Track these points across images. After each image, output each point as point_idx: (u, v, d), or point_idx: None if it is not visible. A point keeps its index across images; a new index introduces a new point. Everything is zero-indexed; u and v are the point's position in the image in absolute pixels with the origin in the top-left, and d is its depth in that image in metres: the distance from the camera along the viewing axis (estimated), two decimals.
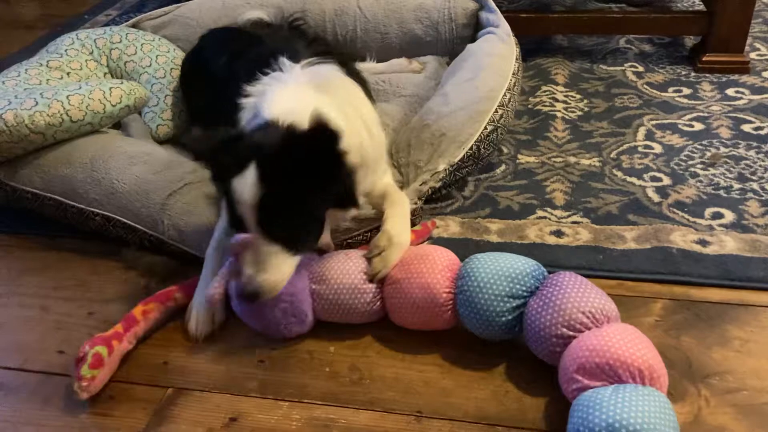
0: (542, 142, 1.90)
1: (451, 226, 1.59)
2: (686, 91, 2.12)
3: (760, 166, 1.73)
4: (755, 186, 1.66)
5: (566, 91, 2.15)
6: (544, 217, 1.61)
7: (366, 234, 1.48)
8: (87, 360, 1.20)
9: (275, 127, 1.23)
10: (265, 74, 1.40)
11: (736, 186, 1.66)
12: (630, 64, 2.30)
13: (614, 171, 1.76)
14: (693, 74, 2.21)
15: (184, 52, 2.10)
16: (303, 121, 1.22)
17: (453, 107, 1.70)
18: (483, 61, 1.85)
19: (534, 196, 1.68)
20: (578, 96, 2.13)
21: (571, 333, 1.13)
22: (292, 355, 1.31)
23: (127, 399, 1.24)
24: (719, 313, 1.33)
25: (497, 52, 1.89)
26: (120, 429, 1.19)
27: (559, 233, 1.55)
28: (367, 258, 1.32)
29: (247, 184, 1.16)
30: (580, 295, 1.15)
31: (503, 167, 1.80)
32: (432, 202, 1.65)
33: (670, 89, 2.13)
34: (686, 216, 1.57)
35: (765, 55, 2.30)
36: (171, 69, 2.02)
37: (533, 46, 2.41)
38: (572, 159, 1.82)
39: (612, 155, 1.82)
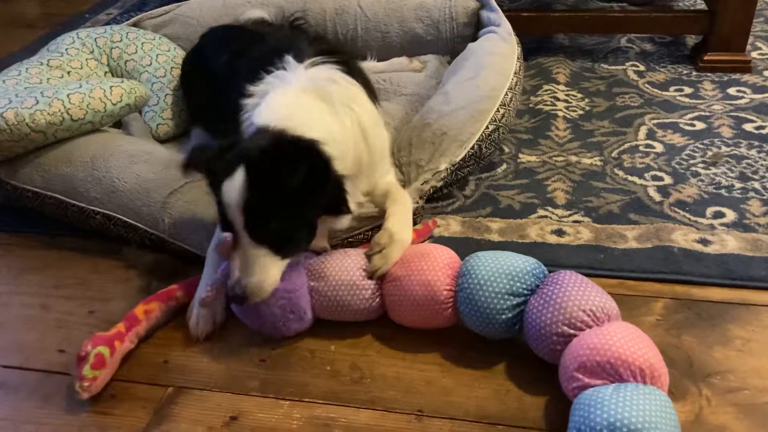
0: (543, 141, 1.90)
1: (452, 225, 1.59)
2: (687, 90, 2.11)
3: (762, 165, 1.73)
4: (757, 185, 1.65)
5: (567, 91, 2.15)
6: (545, 217, 1.60)
7: (367, 233, 1.48)
8: (89, 360, 1.20)
9: (265, 132, 1.25)
10: (269, 73, 1.40)
11: (738, 185, 1.66)
12: (631, 63, 2.30)
13: (615, 170, 1.75)
14: (694, 73, 2.20)
15: (185, 51, 2.09)
16: (293, 129, 1.23)
17: (454, 106, 1.70)
18: (484, 60, 1.85)
19: (535, 196, 1.68)
20: (579, 95, 2.12)
21: (571, 331, 1.13)
22: (292, 353, 1.31)
23: (128, 398, 1.24)
24: (720, 312, 1.32)
25: (498, 51, 1.89)
26: (120, 428, 1.19)
27: (560, 232, 1.55)
28: (368, 255, 1.32)
29: (234, 187, 1.18)
30: (581, 294, 1.15)
31: (504, 166, 1.80)
32: (433, 201, 1.65)
33: (672, 88, 2.13)
34: (687, 215, 1.57)
35: (766, 54, 2.30)
36: (171, 68, 2.02)
37: (534, 45, 2.40)
38: (573, 158, 1.81)
39: (613, 154, 1.82)
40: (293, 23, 2.09)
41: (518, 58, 1.89)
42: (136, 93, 1.74)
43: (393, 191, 1.48)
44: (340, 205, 1.28)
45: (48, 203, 1.64)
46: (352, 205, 1.31)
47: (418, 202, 1.55)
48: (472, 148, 1.63)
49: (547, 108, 2.06)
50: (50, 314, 1.46)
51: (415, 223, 1.51)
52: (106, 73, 2.03)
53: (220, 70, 1.72)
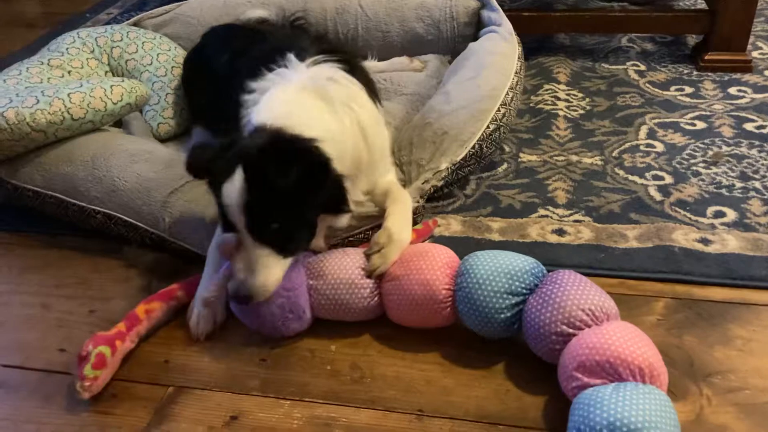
0: (544, 140, 1.90)
1: (452, 225, 1.59)
2: (688, 89, 2.11)
3: (763, 164, 1.73)
4: (757, 185, 1.65)
5: (568, 90, 2.15)
6: (546, 216, 1.60)
7: (367, 232, 1.48)
8: (90, 360, 1.20)
9: (262, 132, 1.25)
10: (271, 70, 1.40)
11: (739, 185, 1.66)
12: (632, 62, 2.30)
13: (616, 170, 1.75)
14: (695, 73, 2.20)
15: (186, 50, 2.10)
16: (290, 128, 1.23)
17: (455, 106, 1.70)
18: (485, 60, 1.85)
19: (536, 195, 1.68)
20: (580, 95, 2.12)
21: (570, 330, 1.13)
22: (293, 353, 1.31)
23: (129, 397, 1.24)
24: (721, 312, 1.32)
25: (499, 51, 1.89)
26: (121, 427, 1.19)
27: (560, 232, 1.55)
28: (367, 254, 1.32)
29: (234, 188, 1.18)
30: (580, 293, 1.15)
31: (505, 166, 1.80)
32: (434, 201, 1.65)
33: (672, 88, 2.13)
34: (688, 215, 1.57)
35: (767, 53, 2.29)
36: (172, 67, 2.02)
37: (535, 45, 2.40)
38: (574, 158, 1.81)
39: (614, 154, 1.82)
40: (294, 23, 2.09)
41: (519, 58, 1.89)
42: (136, 92, 1.74)
43: (393, 190, 1.48)
44: (339, 204, 1.28)
45: (48, 202, 1.64)
46: (352, 204, 1.31)
47: (418, 202, 1.55)
48: (473, 147, 1.63)
49: (547, 107, 2.06)
50: (51, 313, 1.46)
51: (415, 223, 1.51)
52: (106, 72, 2.03)
53: (222, 68, 1.72)
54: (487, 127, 1.66)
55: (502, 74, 1.79)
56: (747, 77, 2.16)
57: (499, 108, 1.69)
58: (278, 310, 1.28)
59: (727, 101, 2.03)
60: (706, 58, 2.20)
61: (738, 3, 2.10)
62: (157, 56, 2.03)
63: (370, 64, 2.11)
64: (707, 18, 2.18)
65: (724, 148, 1.81)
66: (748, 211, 1.56)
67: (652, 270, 1.42)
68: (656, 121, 1.96)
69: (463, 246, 1.47)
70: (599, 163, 1.79)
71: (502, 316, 1.20)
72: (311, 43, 1.55)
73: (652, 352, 1.07)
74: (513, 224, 1.58)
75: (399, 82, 2.05)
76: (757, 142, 1.82)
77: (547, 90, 2.15)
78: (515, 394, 1.19)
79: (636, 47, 2.40)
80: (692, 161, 1.76)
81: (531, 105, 2.07)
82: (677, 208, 1.59)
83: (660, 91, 2.11)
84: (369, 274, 1.30)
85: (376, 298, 1.31)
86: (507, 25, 2.00)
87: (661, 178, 1.70)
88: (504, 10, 2.08)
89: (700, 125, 1.92)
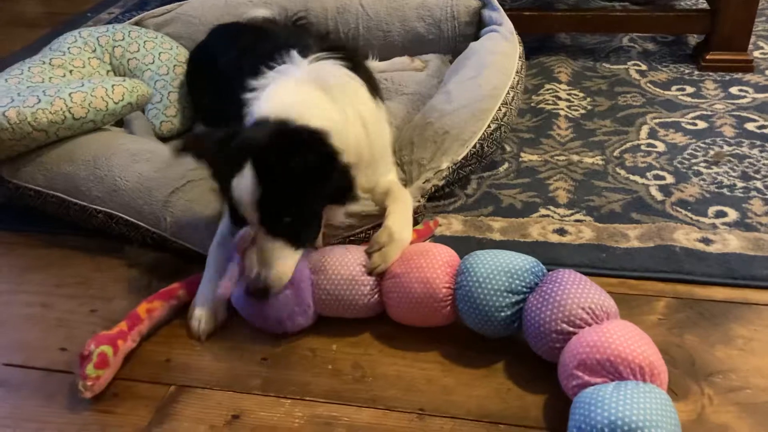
0: (545, 140, 1.90)
1: (453, 224, 1.59)
2: (689, 89, 2.11)
3: (764, 164, 1.73)
4: (759, 184, 1.65)
5: (569, 90, 2.15)
6: (547, 216, 1.60)
7: (368, 231, 1.48)
8: (92, 359, 1.20)
9: (266, 124, 1.25)
10: (272, 68, 1.40)
11: (740, 184, 1.66)
12: (633, 62, 2.30)
13: (617, 169, 1.75)
14: (696, 73, 2.20)
15: (187, 49, 2.10)
16: (295, 119, 1.23)
17: (456, 105, 1.70)
18: (486, 59, 1.85)
19: (537, 195, 1.68)
20: (581, 94, 2.12)
21: (570, 329, 1.13)
22: (294, 352, 1.31)
23: (130, 396, 1.24)
24: (723, 311, 1.32)
25: (500, 50, 1.89)
26: (123, 426, 1.19)
27: (562, 231, 1.55)
28: (367, 253, 1.32)
29: (245, 183, 1.18)
30: (580, 292, 1.15)
31: (506, 165, 1.80)
32: (435, 200, 1.65)
33: (674, 88, 2.13)
34: (689, 214, 1.57)
35: None
36: (174, 66, 2.02)
37: (536, 44, 2.40)
38: (575, 157, 1.81)
39: (615, 153, 1.82)
40: (296, 23, 2.09)
41: (520, 57, 1.89)
42: (138, 92, 1.74)
43: (394, 190, 1.48)
44: (347, 193, 1.28)
45: (50, 202, 1.64)
46: (360, 194, 1.31)
47: (419, 201, 1.55)
48: (474, 146, 1.63)
49: (548, 107, 2.06)
50: (52, 313, 1.46)
51: (416, 222, 1.51)
52: (108, 71, 2.04)
53: (226, 66, 1.72)
54: (488, 126, 1.66)
55: (503, 73, 1.79)
56: (748, 77, 2.15)
57: (500, 107, 1.69)
58: (284, 304, 1.27)
59: (729, 101, 2.03)
60: (708, 57, 2.20)
61: (739, 2, 2.10)
62: (159, 55, 2.03)
63: (371, 64, 2.11)
64: (708, 18, 2.18)
65: (726, 148, 1.81)
66: (749, 211, 1.56)
67: (654, 270, 1.42)
68: (657, 120, 1.96)
69: (464, 245, 1.47)
70: (600, 162, 1.79)
71: (503, 314, 1.20)
72: (314, 41, 1.56)
73: (652, 351, 1.07)
74: (514, 224, 1.58)
75: (400, 82, 2.05)
76: (758, 142, 1.82)
77: (548, 89, 2.15)
78: (516, 393, 1.19)
79: (637, 47, 2.40)
80: (693, 161, 1.76)
81: (532, 104, 2.07)
82: (678, 208, 1.59)
83: (661, 91, 2.11)
84: (369, 273, 1.30)
85: (376, 296, 1.31)
86: (508, 25, 2.00)
87: (663, 178, 1.70)
88: (505, 10, 2.08)
89: (702, 125, 1.92)
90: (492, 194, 1.69)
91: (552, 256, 1.46)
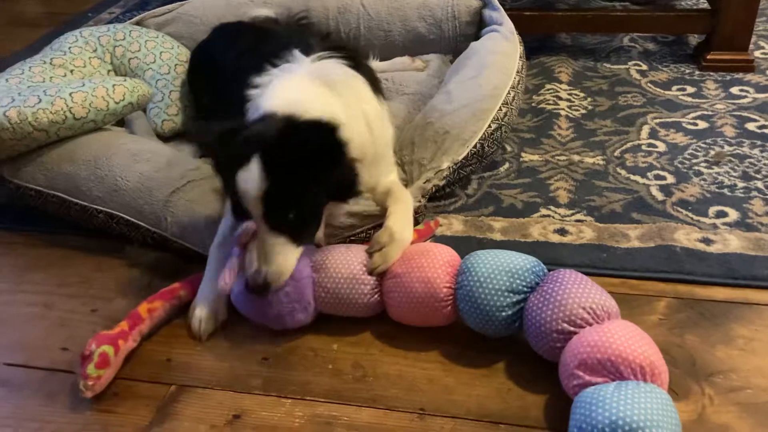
0: (546, 140, 1.90)
1: (454, 224, 1.59)
2: (690, 89, 2.11)
3: (765, 164, 1.73)
4: (759, 184, 1.65)
5: (570, 90, 2.15)
6: (548, 216, 1.60)
7: (369, 231, 1.48)
8: (93, 359, 1.20)
9: (274, 118, 1.25)
10: (275, 66, 1.41)
11: (741, 184, 1.66)
12: (634, 62, 2.30)
13: (618, 169, 1.75)
14: (697, 72, 2.20)
15: (188, 49, 2.10)
16: (302, 113, 1.23)
17: (456, 105, 1.70)
18: (486, 59, 1.85)
19: (538, 195, 1.68)
20: (582, 94, 2.12)
21: (571, 328, 1.13)
22: (295, 352, 1.31)
23: (131, 396, 1.24)
24: (723, 311, 1.32)
25: (501, 50, 1.89)
26: (124, 426, 1.19)
27: (562, 231, 1.55)
28: (368, 253, 1.32)
29: (251, 176, 1.17)
30: (581, 291, 1.15)
31: (507, 165, 1.80)
32: (435, 200, 1.65)
33: (674, 87, 2.13)
34: (690, 214, 1.57)
35: None
36: (175, 65, 2.02)
37: (537, 44, 2.40)
38: (576, 157, 1.81)
39: (616, 153, 1.82)
40: (298, 22, 2.10)
41: (520, 57, 1.89)
42: (138, 91, 1.74)
43: (395, 190, 1.48)
44: (349, 190, 1.28)
45: (51, 202, 1.64)
46: (362, 187, 1.30)
47: (420, 201, 1.55)
48: (475, 146, 1.63)
49: (549, 107, 2.06)
50: (53, 312, 1.46)
51: (417, 222, 1.51)
52: (109, 71, 2.04)
53: (229, 65, 1.73)
54: (489, 126, 1.66)
55: (503, 73, 1.79)
56: (749, 77, 2.15)
57: (500, 107, 1.69)
58: (285, 300, 1.27)
59: (729, 101, 2.03)
60: (708, 57, 2.20)
61: (740, 2, 2.09)
62: (160, 54, 2.04)
63: (372, 64, 2.11)
64: (709, 17, 2.18)
65: (726, 148, 1.81)
66: (750, 211, 1.56)
67: (654, 270, 1.42)
68: (658, 120, 1.96)
69: (464, 245, 1.47)
70: (601, 162, 1.79)
71: (503, 314, 1.20)
72: (316, 41, 1.56)
73: (652, 351, 1.07)
74: (515, 224, 1.58)
75: (401, 82, 2.05)
76: (759, 142, 1.82)
77: (548, 89, 2.15)
78: (517, 392, 1.19)
79: (638, 47, 2.40)
80: (694, 161, 1.76)
81: (533, 104, 2.07)
82: (679, 208, 1.59)
83: (662, 91, 2.11)
84: (370, 272, 1.30)
85: (376, 295, 1.31)
86: (508, 25, 2.00)
87: (663, 178, 1.70)
88: (505, 10, 2.08)
89: (702, 125, 1.92)
90: (493, 194, 1.69)
91: (553, 256, 1.46)
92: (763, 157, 1.75)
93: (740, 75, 2.16)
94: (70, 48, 1.99)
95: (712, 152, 1.79)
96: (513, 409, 1.16)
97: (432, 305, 1.26)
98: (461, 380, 1.22)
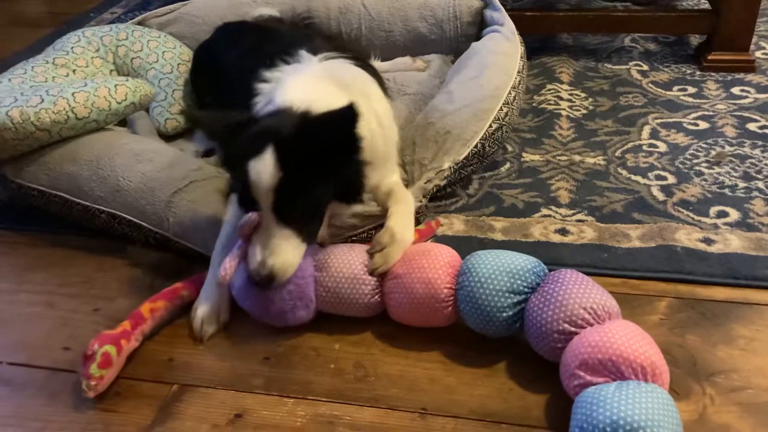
0: (547, 140, 1.90)
1: (455, 224, 1.60)
2: (691, 89, 2.11)
3: (766, 164, 1.73)
4: (760, 185, 1.65)
5: (571, 90, 2.15)
6: (549, 216, 1.61)
7: (370, 232, 1.49)
8: (96, 359, 1.20)
9: (290, 112, 1.25)
10: (285, 62, 1.41)
11: (741, 185, 1.66)
12: (635, 62, 2.30)
13: (619, 169, 1.75)
14: (698, 73, 2.20)
15: (191, 49, 2.11)
16: (317, 109, 1.23)
17: (458, 105, 1.70)
18: (488, 60, 1.85)
19: (539, 195, 1.68)
20: (583, 94, 2.12)
21: (572, 329, 1.13)
22: (296, 352, 1.31)
23: (133, 395, 1.25)
24: (724, 311, 1.33)
25: (502, 51, 1.89)
26: (126, 425, 1.19)
27: (563, 231, 1.55)
28: (369, 253, 1.33)
29: (264, 166, 1.17)
30: (582, 292, 1.15)
31: (508, 165, 1.80)
32: (437, 200, 1.65)
33: (675, 88, 2.13)
34: (691, 215, 1.57)
35: None
36: (178, 64, 2.03)
37: (538, 45, 2.40)
38: (577, 157, 1.82)
39: (617, 154, 1.82)
40: (302, 22, 2.10)
41: (521, 57, 1.90)
42: (140, 91, 1.75)
43: (396, 191, 1.48)
44: (356, 190, 1.28)
45: (53, 202, 1.64)
46: (365, 195, 1.30)
47: (421, 201, 1.56)
48: (476, 146, 1.64)
49: (550, 107, 2.06)
50: (55, 312, 1.46)
51: (418, 222, 1.52)
52: (111, 71, 2.04)
53: (233, 64, 1.73)
54: (490, 126, 1.66)
55: (504, 74, 1.79)
56: (750, 77, 2.16)
57: (501, 107, 1.70)
58: (287, 297, 1.27)
59: (730, 101, 2.03)
60: (709, 58, 2.20)
61: (741, 3, 2.10)
62: (163, 54, 2.04)
63: (374, 65, 2.12)
64: (710, 18, 2.18)
65: (727, 148, 1.81)
66: (751, 211, 1.57)
67: (655, 270, 1.42)
68: (659, 121, 1.96)
69: (465, 245, 1.47)
70: (602, 162, 1.79)
71: (504, 314, 1.20)
72: (321, 41, 1.57)
73: (653, 351, 1.08)
74: (516, 224, 1.59)
75: (402, 82, 2.05)
76: (760, 143, 1.82)
77: (549, 90, 2.16)
78: (518, 392, 1.19)
79: (639, 47, 2.40)
80: (695, 161, 1.76)
81: (534, 105, 2.08)
82: (680, 208, 1.59)
83: (663, 91, 2.12)
84: (371, 273, 1.31)
85: (377, 296, 1.31)
86: (510, 25, 2.00)
87: (664, 178, 1.71)
88: (507, 10, 2.08)
89: (703, 125, 1.92)
90: (494, 194, 1.69)
91: (554, 256, 1.46)
92: (764, 157, 1.76)
93: (741, 75, 2.16)
94: (72, 48, 1.99)
95: (713, 152, 1.79)
96: (514, 409, 1.16)
97: (433, 306, 1.26)
98: (462, 380, 1.23)
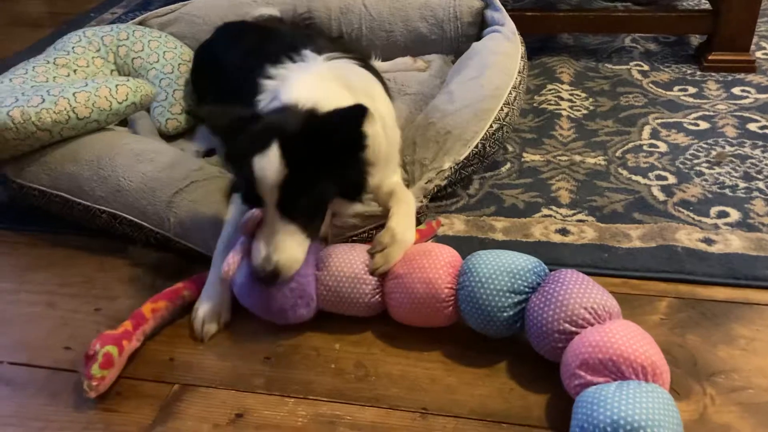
0: (547, 140, 1.90)
1: (456, 224, 1.60)
2: (692, 90, 2.11)
3: (766, 165, 1.73)
4: (761, 185, 1.66)
5: (571, 90, 2.15)
6: (550, 216, 1.61)
7: (371, 232, 1.49)
8: (97, 359, 1.20)
9: (295, 109, 1.25)
10: (291, 59, 1.41)
11: (742, 185, 1.66)
12: (635, 62, 2.30)
13: (619, 169, 1.75)
14: (698, 73, 2.20)
15: (191, 49, 2.11)
16: (325, 107, 1.23)
17: (458, 105, 1.70)
18: (488, 60, 1.85)
19: (539, 195, 1.68)
20: (583, 95, 2.13)
21: (573, 329, 1.13)
22: (297, 351, 1.31)
23: (134, 395, 1.25)
24: (725, 311, 1.33)
25: (502, 51, 1.90)
26: (127, 425, 1.19)
27: (564, 231, 1.55)
28: (370, 253, 1.33)
29: (269, 162, 1.17)
30: (582, 291, 1.15)
31: (508, 165, 1.80)
32: (437, 200, 1.66)
33: (676, 88, 2.13)
34: (691, 215, 1.57)
35: None
36: (179, 64, 2.03)
37: (538, 45, 2.40)
38: (577, 157, 1.82)
39: (617, 154, 1.82)
40: (303, 23, 2.10)
41: (522, 58, 1.90)
42: (141, 91, 1.75)
43: (397, 191, 1.48)
44: (359, 187, 1.28)
45: (54, 202, 1.64)
46: (367, 194, 1.30)
47: (422, 201, 1.56)
48: (476, 147, 1.64)
49: (551, 107, 2.06)
50: (56, 312, 1.46)
51: (419, 222, 1.52)
52: (112, 71, 2.04)
53: (233, 64, 1.73)
54: (491, 126, 1.66)
55: (505, 74, 1.80)
56: (751, 77, 2.16)
57: (502, 107, 1.70)
58: (289, 294, 1.27)
59: (731, 101, 2.03)
60: (710, 58, 2.20)
61: (742, 3, 2.10)
62: (164, 54, 2.04)
63: (375, 65, 2.12)
64: (711, 18, 2.18)
65: (728, 149, 1.81)
66: (751, 212, 1.57)
67: (656, 270, 1.42)
68: (659, 121, 1.96)
69: (466, 245, 1.47)
70: (602, 163, 1.79)
71: (505, 314, 1.20)
72: (326, 41, 1.57)
73: (654, 351, 1.08)
74: (516, 224, 1.59)
75: (402, 82, 2.05)
76: (760, 143, 1.82)
77: (550, 90, 2.16)
78: (518, 392, 1.19)
79: (639, 47, 2.40)
80: (695, 161, 1.76)
81: (534, 105, 2.08)
82: (680, 208, 1.59)
83: (663, 91, 2.12)
84: (371, 273, 1.31)
85: (378, 295, 1.31)
86: (510, 25, 2.00)
87: (665, 178, 1.71)
88: (507, 10, 2.08)
89: (704, 125, 1.92)
90: (494, 194, 1.69)
91: (554, 256, 1.46)
92: (764, 157, 1.76)
93: (741, 75, 2.17)
94: (73, 48, 1.99)
95: (714, 153, 1.79)
96: (515, 409, 1.17)
97: (433, 306, 1.26)
98: (463, 380, 1.23)
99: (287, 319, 1.31)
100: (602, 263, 1.45)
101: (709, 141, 1.85)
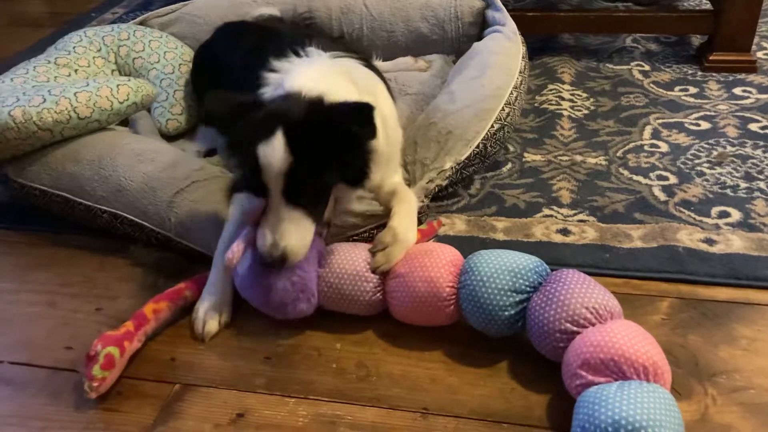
0: (548, 140, 1.90)
1: (457, 224, 1.60)
2: (693, 90, 2.11)
3: (767, 165, 1.73)
4: (762, 185, 1.65)
5: (572, 90, 2.15)
6: (551, 216, 1.61)
7: (372, 231, 1.49)
8: (99, 360, 1.20)
9: (299, 97, 1.24)
10: (296, 54, 1.41)
11: (743, 185, 1.66)
12: (636, 63, 2.30)
13: (620, 170, 1.75)
14: (699, 73, 2.20)
15: (192, 49, 2.11)
16: (332, 98, 1.22)
17: (459, 105, 1.70)
18: (489, 60, 1.85)
19: (540, 195, 1.68)
20: (584, 95, 2.13)
21: (574, 328, 1.13)
22: (298, 351, 1.31)
23: (135, 395, 1.25)
24: (726, 311, 1.33)
25: (503, 51, 1.89)
26: (128, 425, 1.19)
27: (565, 231, 1.55)
28: (371, 252, 1.33)
29: (274, 150, 1.17)
30: (584, 291, 1.15)
31: (509, 165, 1.80)
32: (438, 200, 1.66)
33: (677, 88, 2.13)
34: (693, 215, 1.57)
35: None
36: (179, 65, 2.03)
37: (539, 45, 2.40)
38: (578, 157, 1.82)
39: (618, 154, 1.82)
40: (303, 22, 2.10)
41: (523, 58, 1.90)
42: (142, 91, 1.75)
43: (399, 191, 1.48)
44: (363, 173, 1.27)
45: (55, 201, 1.64)
46: (373, 178, 1.30)
47: (423, 201, 1.56)
48: (477, 146, 1.64)
49: (552, 107, 2.06)
50: (57, 311, 1.46)
51: (420, 222, 1.52)
52: (113, 71, 2.04)
53: (233, 65, 1.73)
54: (492, 126, 1.66)
55: (506, 74, 1.80)
56: (752, 77, 2.16)
57: (503, 107, 1.70)
58: (290, 288, 1.27)
59: (732, 101, 2.03)
60: (711, 58, 2.20)
61: (742, 3, 2.10)
62: (165, 54, 2.04)
63: (376, 65, 2.12)
64: (712, 18, 2.18)
65: (729, 149, 1.81)
66: (752, 212, 1.57)
67: (657, 270, 1.42)
68: (660, 121, 1.96)
69: (467, 245, 1.47)
70: (603, 163, 1.79)
71: (506, 313, 1.20)
72: (329, 41, 1.57)
73: (655, 351, 1.08)
74: (517, 224, 1.59)
75: (403, 82, 2.05)
76: (761, 143, 1.82)
77: (551, 90, 2.16)
78: (520, 392, 1.19)
79: (640, 47, 2.40)
80: (697, 161, 1.76)
81: (535, 105, 2.08)
82: (682, 208, 1.59)
83: (664, 92, 2.12)
84: (373, 272, 1.31)
85: (379, 294, 1.31)
86: (511, 25, 2.00)
87: (666, 179, 1.71)
88: (508, 10, 2.08)
89: (705, 125, 1.92)
90: (495, 194, 1.69)
91: (555, 256, 1.46)
92: (765, 157, 1.76)
93: (743, 76, 2.17)
94: (74, 47, 1.99)
95: (715, 153, 1.79)
96: (516, 409, 1.16)
97: (435, 305, 1.26)
98: (464, 380, 1.23)
99: (287, 313, 1.30)
100: (603, 263, 1.45)
101: (710, 141, 1.85)
